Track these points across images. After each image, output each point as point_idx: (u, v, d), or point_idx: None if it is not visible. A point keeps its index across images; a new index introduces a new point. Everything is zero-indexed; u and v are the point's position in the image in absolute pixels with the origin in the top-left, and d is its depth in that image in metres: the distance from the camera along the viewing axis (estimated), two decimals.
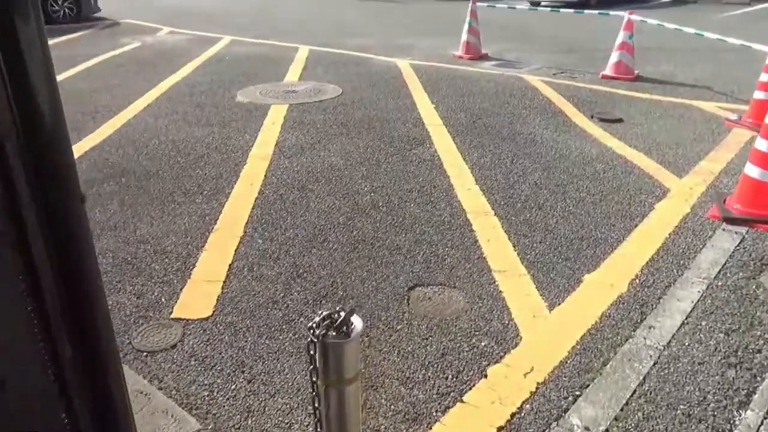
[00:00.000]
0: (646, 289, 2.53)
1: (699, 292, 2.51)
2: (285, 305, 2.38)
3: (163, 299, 2.41)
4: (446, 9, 15.02)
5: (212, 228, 3.02)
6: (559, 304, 2.43)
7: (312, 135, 4.55)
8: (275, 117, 5.01)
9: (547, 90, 6.10)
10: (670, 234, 3.02)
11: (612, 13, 7.34)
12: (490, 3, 8.33)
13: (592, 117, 5.18)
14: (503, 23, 11.22)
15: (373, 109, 5.31)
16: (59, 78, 6.58)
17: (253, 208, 3.25)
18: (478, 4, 7.90)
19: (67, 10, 10.92)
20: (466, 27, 7.86)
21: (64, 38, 9.33)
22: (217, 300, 2.41)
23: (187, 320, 2.27)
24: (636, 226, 3.11)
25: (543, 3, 15.43)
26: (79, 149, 4.19)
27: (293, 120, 4.93)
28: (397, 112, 5.19)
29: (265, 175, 3.73)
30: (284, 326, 2.25)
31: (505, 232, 3.02)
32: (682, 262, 2.75)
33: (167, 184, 3.59)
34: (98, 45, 8.78)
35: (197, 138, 4.46)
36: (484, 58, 7.87)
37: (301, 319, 2.30)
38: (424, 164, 3.96)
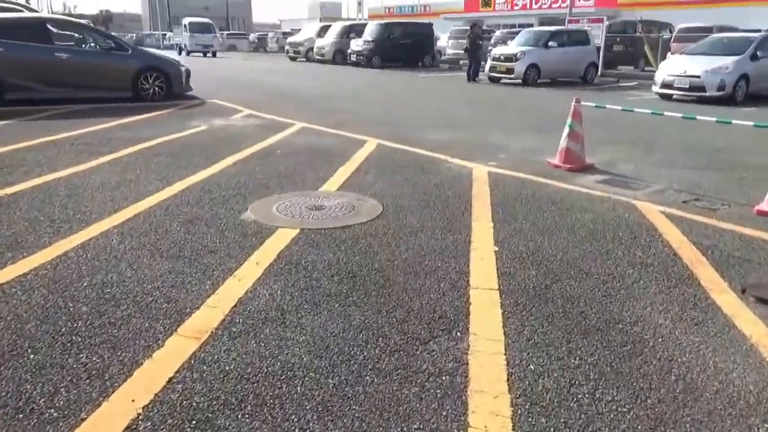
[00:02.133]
0: None
1: None
2: None
3: None
4: (560, 100, 13.42)
5: None
6: None
7: (295, 293, 3.12)
8: (267, 252, 3.68)
9: (672, 231, 4.25)
10: None
11: None
12: (598, 103, 6.65)
13: (743, 292, 3.28)
14: (618, 124, 9.41)
15: (407, 248, 3.81)
16: (90, 165, 5.91)
17: None
18: (583, 103, 6.27)
19: (157, 88, 10.82)
20: (566, 131, 6.23)
21: (137, 117, 9.00)
22: None
23: None
24: None
25: (675, 96, 13.37)
26: None
27: (288, 260, 3.56)
28: (438, 259, 3.64)
29: (169, 380, 2.32)
30: None
31: None
32: None
33: (11, 383, 2.29)
34: (164, 127, 8.25)
35: (140, 281, 3.21)
36: (588, 170, 6.15)
37: None
38: (436, 385, 2.34)
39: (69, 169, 5.69)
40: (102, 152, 6.52)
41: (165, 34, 51.49)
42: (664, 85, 13.01)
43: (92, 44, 10.57)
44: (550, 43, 16.49)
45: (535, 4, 40.82)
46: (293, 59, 29.58)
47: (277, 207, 4.60)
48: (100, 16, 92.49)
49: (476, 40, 17.33)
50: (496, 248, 3.84)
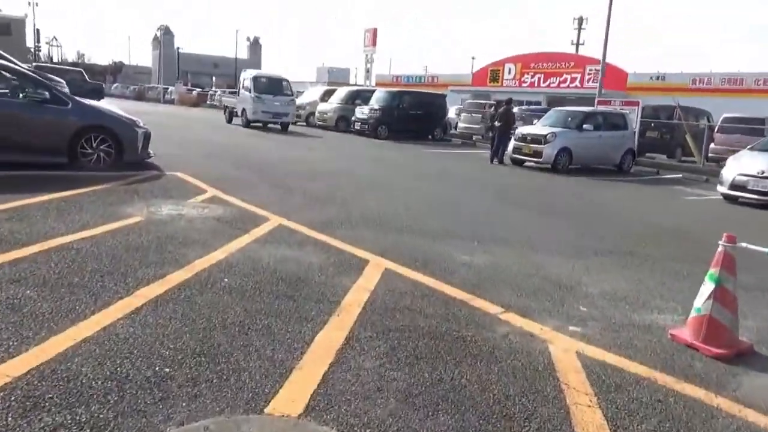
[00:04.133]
0: None
1: None
2: None
3: None
4: (615, 198, 10.90)
5: None
6: None
7: None
8: None
9: None
10: None
11: None
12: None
13: None
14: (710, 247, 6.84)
15: None
16: None
17: None
18: (742, 244, 3.73)
19: (103, 154, 8.40)
20: (707, 288, 3.66)
21: (52, 196, 6.47)
22: None
23: None
24: None
25: (742, 199, 11.01)
26: None
27: None
28: None
29: None
30: None
31: None
32: None
33: None
34: (78, 215, 5.72)
35: None
36: (746, 355, 3.56)
37: None
38: None
39: None
40: None
41: (167, 88, 50.28)
42: (735, 186, 10.65)
43: (25, 93, 8.22)
44: (584, 126, 14.30)
45: (543, 82, 39.94)
46: (293, 123, 27.61)
47: None
48: (110, 67, 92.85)
49: (511, 118, 15.15)
50: None
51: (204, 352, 3.04)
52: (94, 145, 8.33)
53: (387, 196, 8.77)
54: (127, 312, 3.48)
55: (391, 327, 3.58)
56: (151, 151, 9.36)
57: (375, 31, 43.43)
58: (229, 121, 24.27)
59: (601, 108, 16.80)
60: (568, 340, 3.64)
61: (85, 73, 30.31)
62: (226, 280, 4.23)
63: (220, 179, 8.79)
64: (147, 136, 9.09)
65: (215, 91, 44.76)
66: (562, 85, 38.70)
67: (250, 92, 21.63)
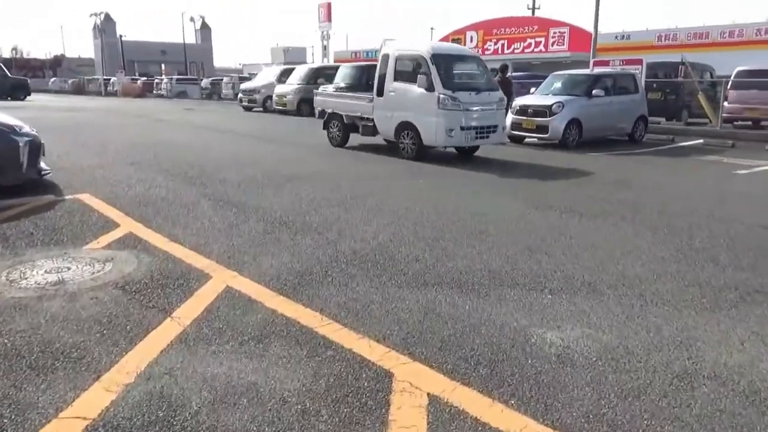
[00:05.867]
0: None
1: None
2: None
3: None
4: (709, 184, 8.42)
5: None
6: None
7: None
8: None
9: None
10: None
11: None
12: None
13: None
14: None
15: None
16: None
17: None
18: None
19: None
20: None
21: None
22: None
23: None
24: None
25: None
26: None
27: None
28: None
29: None
30: None
31: None
32: None
33: None
34: None
35: None
36: None
37: None
38: None
39: None
40: None
41: (108, 79, 46.23)
42: None
43: None
44: (594, 92, 12.09)
45: (507, 48, 37.86)
46: (248, 109, 24.66)
47: None
48: (49, 61, 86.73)
49: (509, 89, 12.83)
50: None
51: None
52: None
53: (377, 209, 6.27)
54: None
55: None
56: (44, 166, 6.74)
57: (329, 5, 40.34)
58: (343, 142, 11.94)
59: (609, 69, 14.63)
60: None
61: (5, 68, 26.79)
62: None
63: (144, 200, 6.26)
64: (35, 147, 6.44)
65: (161, 79, 41.17)
66: (526, 51, 36.78)
67: (430, 89, 9.52)
